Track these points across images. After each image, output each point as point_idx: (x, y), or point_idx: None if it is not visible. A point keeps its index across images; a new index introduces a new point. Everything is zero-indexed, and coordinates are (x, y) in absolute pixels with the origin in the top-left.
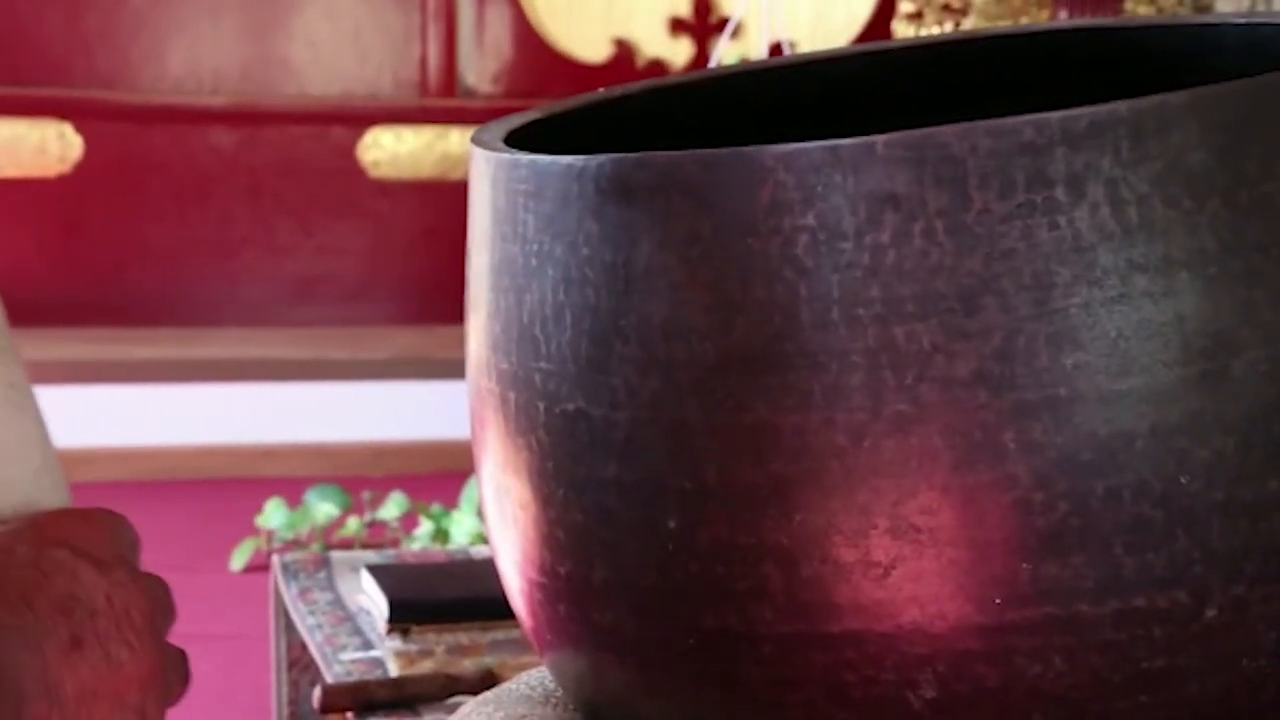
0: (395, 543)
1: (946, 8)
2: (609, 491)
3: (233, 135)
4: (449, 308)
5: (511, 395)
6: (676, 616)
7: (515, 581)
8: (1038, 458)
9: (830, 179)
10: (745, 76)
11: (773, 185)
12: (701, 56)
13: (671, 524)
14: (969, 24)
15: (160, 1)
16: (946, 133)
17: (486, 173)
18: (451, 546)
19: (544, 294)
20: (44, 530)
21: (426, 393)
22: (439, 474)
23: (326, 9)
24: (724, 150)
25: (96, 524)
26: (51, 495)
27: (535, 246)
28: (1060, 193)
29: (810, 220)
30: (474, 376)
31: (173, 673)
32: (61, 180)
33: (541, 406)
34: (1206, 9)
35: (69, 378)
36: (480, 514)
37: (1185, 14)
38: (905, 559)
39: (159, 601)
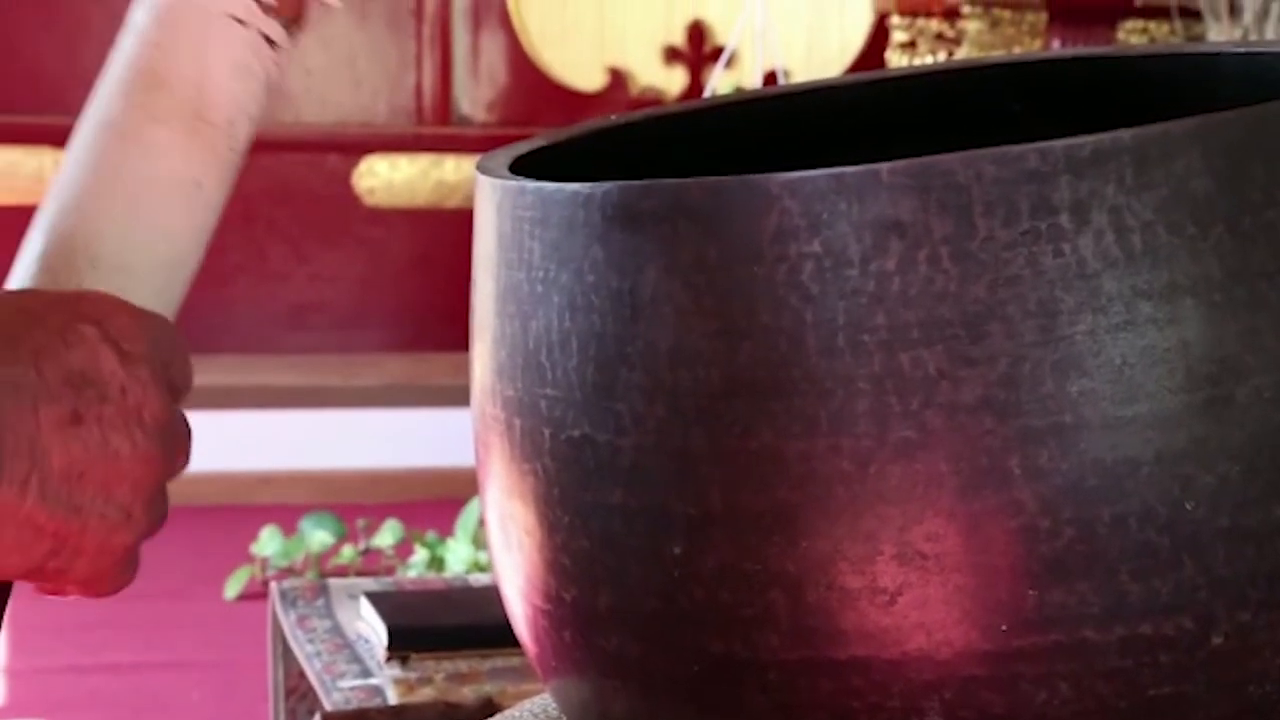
0: (390, 571)
1: (940, 37)
2: (614, 517)
3: None
4: (443, 335)
5: (517, 421)
6: (682, 643)
7: (519, 608)
8: (1043, 484)
9: (836, 206)
10: (746, 105)
11: (778, 212)
12: (695, 85)
13: (677, 550)
14: (962, 53)
15: None
16: (951, 160)
17: (492, 200)
18: (446, 574)
19: (550, 320)
20: (82, 305)
21: (421, 420)
22: (434, 501)
23: (322, 37)
24: (730, 177)
25: (139, 319)
26: (151, 296)
27: (541, 273)
28: (1065, 220)
29: (816, 247)
30: (479, 403)
31: (177, 445)
32: None
33: (547, 433)
34: (1199, 39)
35: None
36: (476, 542)
37: (1180, 43)
38: (911, 585)
39: (175, 416)
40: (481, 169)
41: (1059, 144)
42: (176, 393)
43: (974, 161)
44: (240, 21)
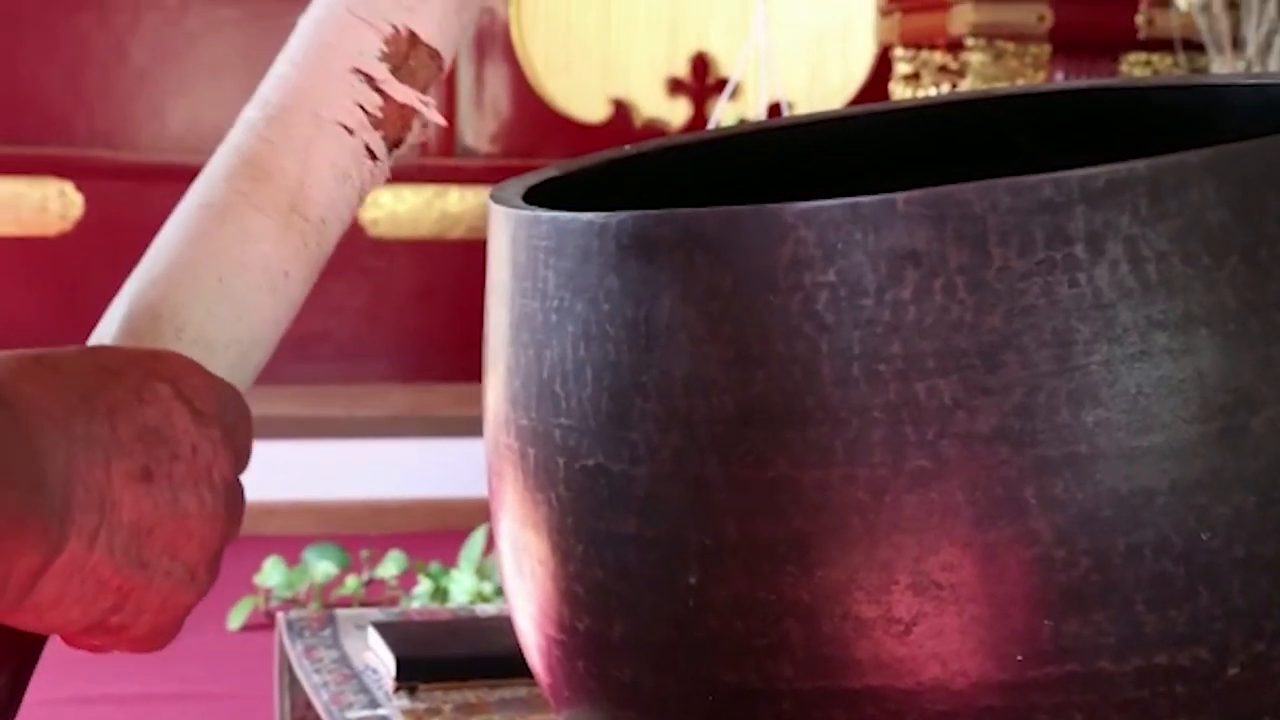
0: (394, 601)
1: (943, 69)
2: (629, 547)
3: None
4: (447, 366)
5: (531, 451)
6: (696, 673)
7: (533, 638)
8: (1059, 514)
9: (851, 236)
10: (755, 135)
11: (793, 242)
12: (699, 117)
13: (691, 579)
14: (966, 85)
15: (160, 60)
16: (967, 190)
17: (506, 229)
18: (451, 605)
19: (564, 350)
20: (158, 364)
21: (425, 451)
22: (437, 532)
23: None
24: (745, 207)
25: (212, 382)
26: (225, 371)
27: (555, 302)
28: (1080, 250)
29: (831, 276)
30: (492, 432)
31: (238, 509)
32: (62, 239)
33: (561, 462)
34: (1202, 72)
35: None
36: (480, 573)
37: (1188, 75)
38: (927, 615)
39: (238, 480)
40: (495, 199)
41: (1074, 174)
42: (241, 458)
43: (990, 191)
44: (349, 130)
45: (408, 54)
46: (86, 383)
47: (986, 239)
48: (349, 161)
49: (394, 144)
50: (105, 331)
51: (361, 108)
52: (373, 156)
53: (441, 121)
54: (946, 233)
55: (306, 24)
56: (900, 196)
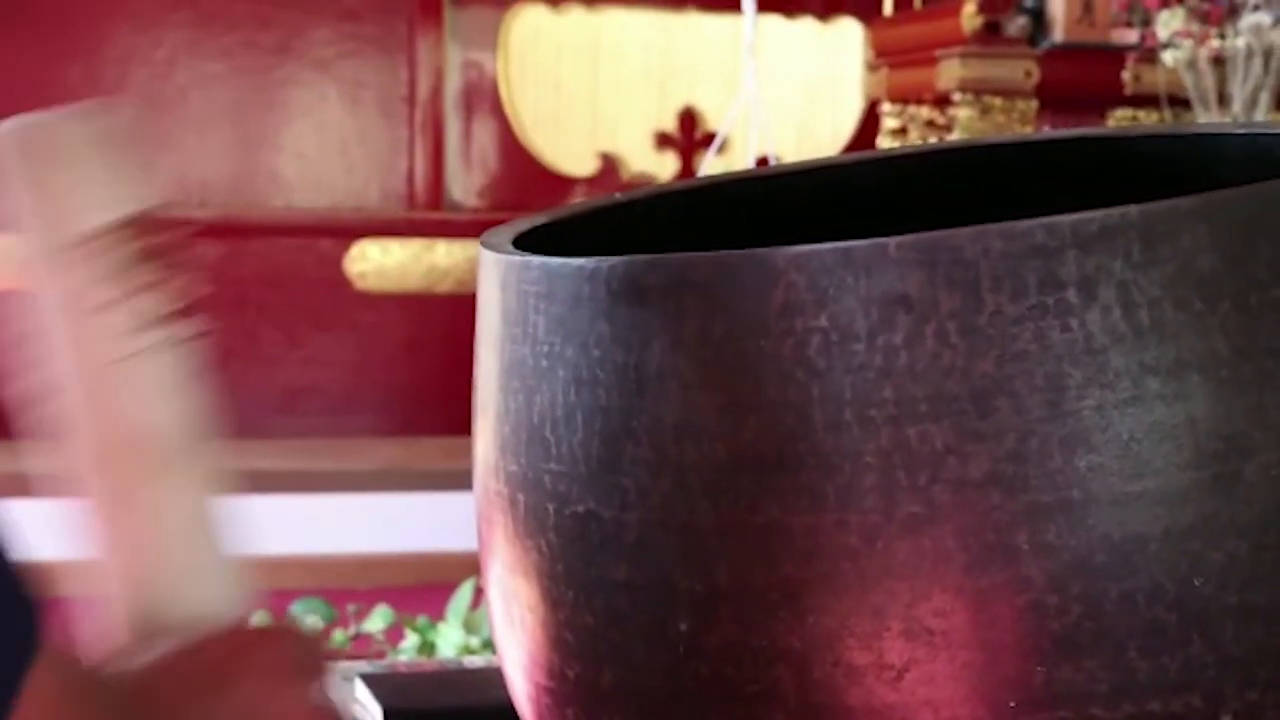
0: (380, 655)
1: (931, 124)
2: (619, 593)
3: (220, 247)
4: (435, 419)
5: (521, 497)
6: None
7: (522, 686)
8: (1051, 560)
9: (843, 281)
10: (744, 183)
11: (785, 286)
12: (687, 171)
13: (682, 626)
14: (953, 139)
15: (148, 115)
16: (959, 235)
17: (496, 275)
18: (438, 659)
19: (554, 395)
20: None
21: (413, 505)
22: (424, 586)
23: (314, 122)
24: (736, 252)
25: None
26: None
27: (546, 348)
28: (1072, 295)
29: (823, 321)
30: (482, 479)
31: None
32: None
33: (551, 508)
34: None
35: (55, 491)
36: (467, 626)
37: (1180, 124)
38: (919, 661)
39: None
40: (485, 244)
41: (1066, 219)
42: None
43: (981, 236)
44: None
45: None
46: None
47: (979, 284)
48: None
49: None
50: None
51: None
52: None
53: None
54: (938, 277)
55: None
56: (892, 241)
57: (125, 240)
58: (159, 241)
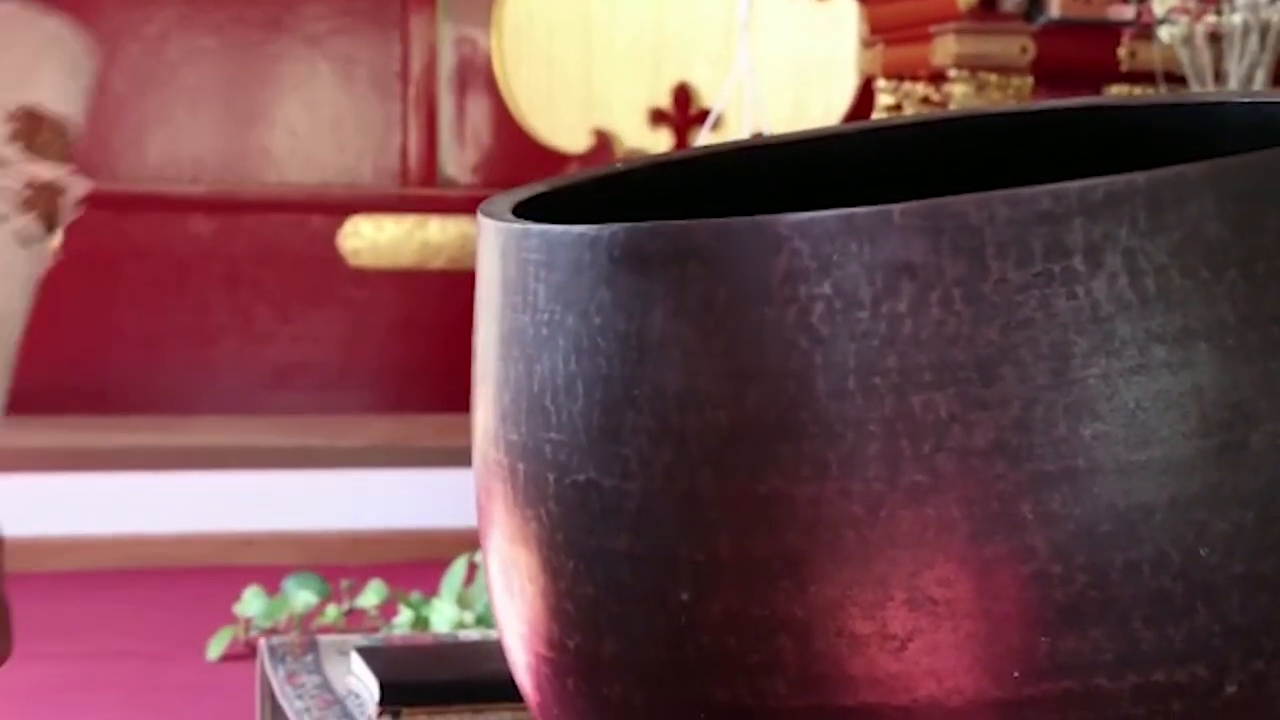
0: (375, 631)
1: (926, 100)
2: (620, 563)
3: (212, 224)
4: (428, 396)
5: (521, 466)
6: (687, 690)
7: (521, 656)
8: (1056, 529)
9: (846, 248)
10: (743, 153)
11: (788, 254)
12: (681, 147)
13: (684, 596)
14: None
15: (140, 90)
16: (964, 202)
17: (496, 244)
18: (432, 634)
19: (555, 364)
20: None
21: (405, 481)
22: (417, 562)
23: (306, 98)
24: (739, 219)
25: None
26: None
27: (546, 316)
28: (1078, 262)
29: (826, 289)
30: (481, 448)
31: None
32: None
33: (551, 477)
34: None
35: (46, 466)
36: (461, 602)
37: (1183, 93)
38: (922, 631)
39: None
40: (485, 213)
41: (1073, 186)
42: None
43: (987, 203)
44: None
45: (34, 130)
46: None
47: (984, 251)
48: (7, 253)
49: (49, 225)
50: None
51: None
52: (31, 240)
53: (84, 188)
54: (943, 244)
55: None
56: (896, 208)
57: (9, 124)
58: (42, 138)
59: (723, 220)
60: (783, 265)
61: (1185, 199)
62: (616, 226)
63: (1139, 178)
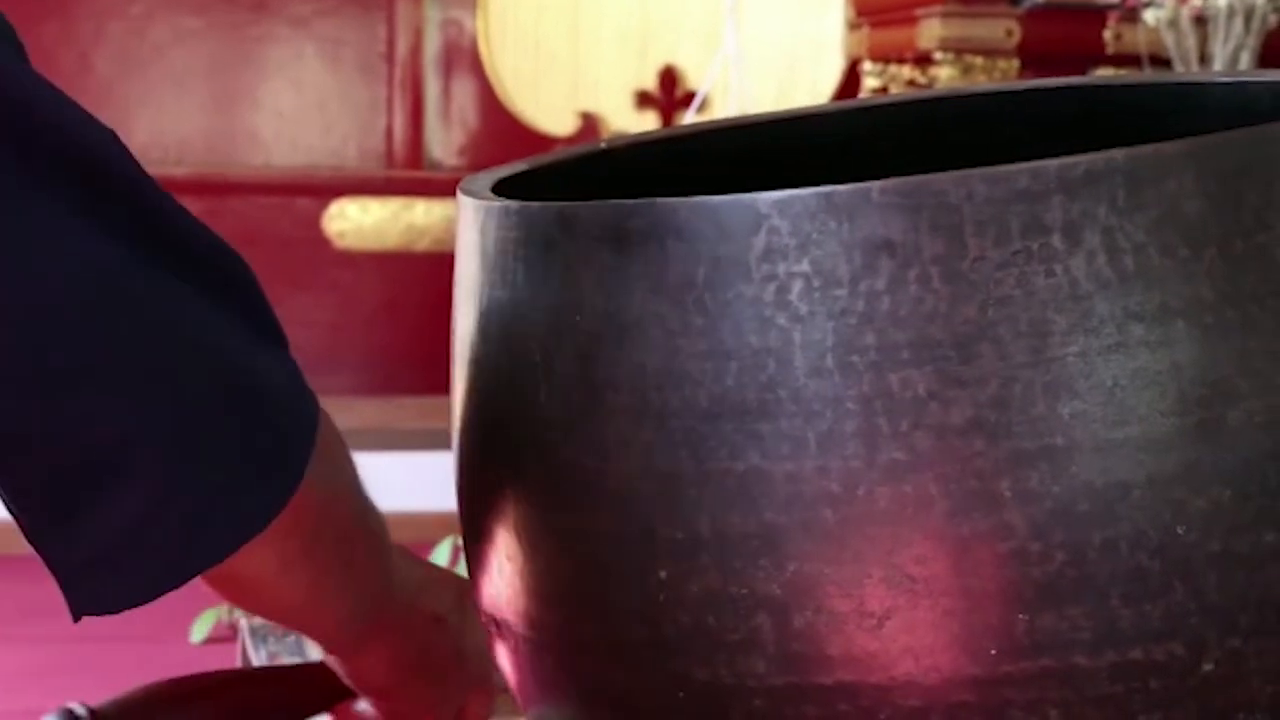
0: None
1: (912, 83)
2: (599, 542)
3: (197, 205)
4: (414, 379)
5: (500, 445)
6: (666, 669)
7: (499, 635)
8: (1034, 507)
9: (825, 225)
10: (727, 132)
11: (767, 231)
12: None
13: (662, 574)
14: None
15: (125, 72)
16: (942, 179)
17: (475, 221)
18: None
19: (533, 342)
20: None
21: (391, 464)
22: (403, 544)
23: (292, 80)
24: (718, 197)
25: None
26: None
27: (525, 294)
28: (1057, 240)
29: (805, 267)
30: (461, 427)
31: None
32: None
33: (531, 456)
34: None
35: None
36: None
37: (1165, 73)
38: (900, 609)
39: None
40: (464, 190)
41: (1051, 163)
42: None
43: (965, 181)
44: None
45: None
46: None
47: (962, 229)
48: None
49: None
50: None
51: None
52: None
53: None
54: (921, 222)
55: None
56: (875, 185)
57: None
58: None
59: (701, 198)
60: (761, 243)
61: (1164, 177)
62: (595, 204)
63: (1118, 155)
